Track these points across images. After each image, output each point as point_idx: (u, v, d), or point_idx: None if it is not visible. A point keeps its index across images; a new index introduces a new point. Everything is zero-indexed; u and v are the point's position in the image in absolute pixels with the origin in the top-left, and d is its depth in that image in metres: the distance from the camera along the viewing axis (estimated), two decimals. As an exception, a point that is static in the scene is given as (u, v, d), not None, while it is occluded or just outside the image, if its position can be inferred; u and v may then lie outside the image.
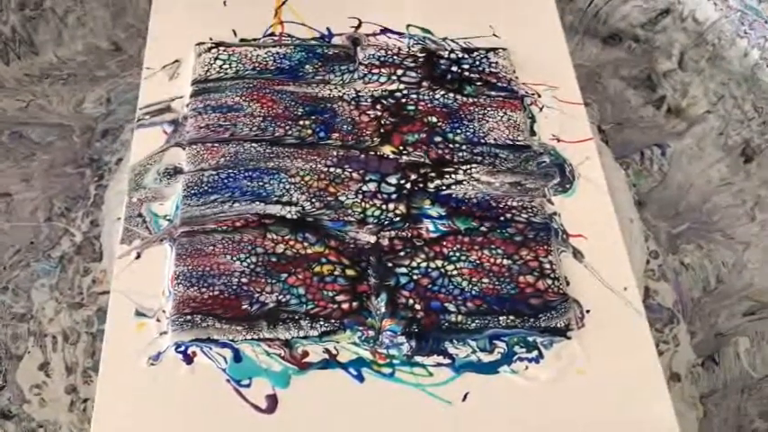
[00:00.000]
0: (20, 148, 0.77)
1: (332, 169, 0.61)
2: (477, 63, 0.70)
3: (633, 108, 0.80)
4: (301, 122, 0.64)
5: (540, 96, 0.70)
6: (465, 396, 0.52)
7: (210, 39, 0.69)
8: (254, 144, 0.62)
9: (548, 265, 0.58)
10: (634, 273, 0.60)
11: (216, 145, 0.62)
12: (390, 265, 0.56)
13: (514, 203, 0.61)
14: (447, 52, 0.70)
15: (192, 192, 0.59)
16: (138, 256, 0.57)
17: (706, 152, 0.77)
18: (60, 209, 0.72)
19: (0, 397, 0.62)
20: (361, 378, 0.52)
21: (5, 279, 0.68)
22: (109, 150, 0.76)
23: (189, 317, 0.53)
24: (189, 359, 0.52)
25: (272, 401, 0.51)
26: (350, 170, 0.61)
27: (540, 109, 0.69)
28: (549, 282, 0.57)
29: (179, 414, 0.50)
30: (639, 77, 0.82)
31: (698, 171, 0.76)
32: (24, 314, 0.66)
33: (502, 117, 0.66)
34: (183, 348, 0.52)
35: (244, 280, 0.55)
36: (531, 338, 0.55)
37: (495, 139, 0.65)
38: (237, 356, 0.52)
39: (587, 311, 0.57)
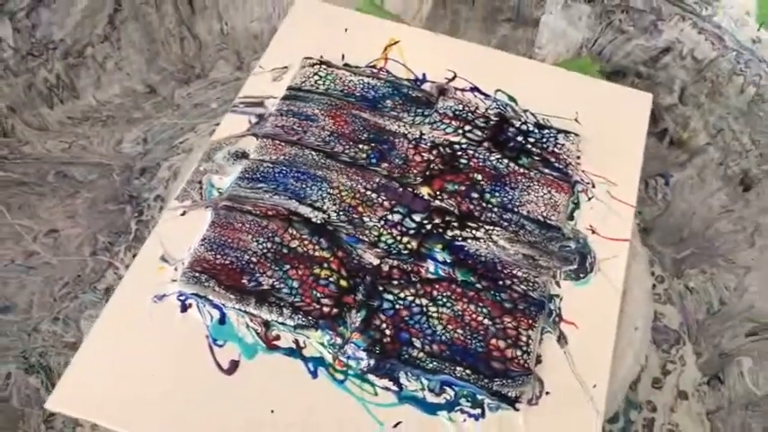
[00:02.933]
0: (64, 187, 0.83)
1: (368, 193, 0.67)
2: (545, 140, 0.73)
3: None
4: (361, 146, 0.71)
5: (594, 187, 0.71)
6: (397, 424, 0.56)
7: (320, 56, 0.79)
8: (313, 152, 0.70)
9: (524, 338, 0.60)
10: (619, 376, 0.61)
11: (283, 143, 0.70)
12: (381, 288, 0.62)
13: (519, 273, 0.64)
14: (520, 122, 0.74)
15: (247, 176, 0.68)
16: (184, 214, 0.66)
17: (707, 181, 0.77)
18: (104, 243, 0.78)
19: (55, 422, 0.69)
20: (315, 375, 0.58)
21: (56, 310, 0.75)
22: (147, 188, 0.81)
23: (197, 274, 0.61)
24: (184, 308, 0.60)
25: (234, 366, 0.58)
26: (383, 198, 0.67)
27: (589, 199, 0.71)
28: (519, 353, 0.59)
29: (160, 349, 0.59)
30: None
31: (700, 199, 0.76)
32: (75, 343, 0.72)
33: (544, 194, 0.69)
34: (183, 298, 0.61)
35: (253, 259, 0.62)
36: (480, 396, 0.57)
37: (528, 211, 0.68)
38: (222, 319, 0.60)
39: (547, 393, 0.58)
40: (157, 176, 0.84)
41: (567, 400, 0.58)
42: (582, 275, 0.65)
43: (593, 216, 0.70)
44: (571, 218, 0.69)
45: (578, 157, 0.73)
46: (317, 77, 0.76)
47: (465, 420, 0.56)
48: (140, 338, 0.59)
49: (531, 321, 0.61)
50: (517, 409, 0.57)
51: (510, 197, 0.69)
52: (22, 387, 0.71)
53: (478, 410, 0.57)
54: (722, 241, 0.74)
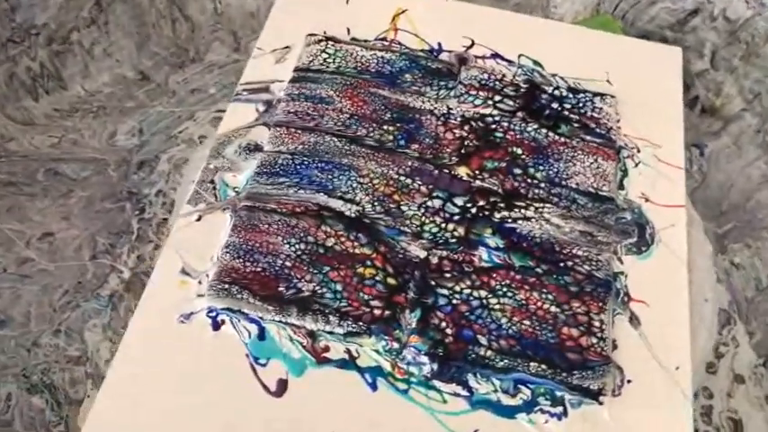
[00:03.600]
0: (56, 186, 0.76)
1: (402, 178, 0.61)
2: (581, 105, 0.67)
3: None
4: (385, 127, 0.64)
5: (639, 151, 0.66)
6: (473, 433, 0.50)
7: (324, 32, 0.71)
8: (334, 138, 0.63)
9: (597, 323, 0.54)
10: (695, 355, 0.56)
11: (299, 131, 0.63)
12: (433, 283, 0.55)
13: (579, 252, 0.58)
14: (552, 88, 0.68)
15: (265, 170, 0.61)
16: (199, 219, 0.59)
17: (744, 150, 0.73)
18: (104, 245, 0.71)
19: None
20: (374, 387, 0.51)
21: (57, 321, 0.68)
22: (147, 182, 0.74)
23: (227, 285, 0.54)
24: (217, 325, 0.53)
25: (282, 386, 0.51)
26: (419, 183, 0.61)
27: (636, 164, 0.65)
28: (594, 340, 0.54)
29: (193, 374, 0.51)
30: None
31: (737, 169, 0.72)
32: (80, 357, 0.66)
33: (591, 164, 0.63)
34: (214, 314, 0.54)
35: (288, 264, 0.55)
36: (559, 393, 0.52)
37: (577, 184, 0.62)
38: (262, 334, 0.53)
39: (628, 381, 0.53)
40: (157, 170, 0.77)
41: (651, 386, 0.53)
42: (644, 248, 0.60)
43: (643, 183, 0.64)
44: (621, 187, 0.63)
45: (618, 121, 0.67)
46: (325, 55, 0.69)
47: (547, 422, 0.51)
48: (171, 365, 0.52)
49: (601, 304, 0.55)
50: (601, 403, 0.52)
51: (556, 170, 0.63)
52: (24, 409, 0.64)
53: (560, 408, 0.51)
54: (765, 213, 0.70)
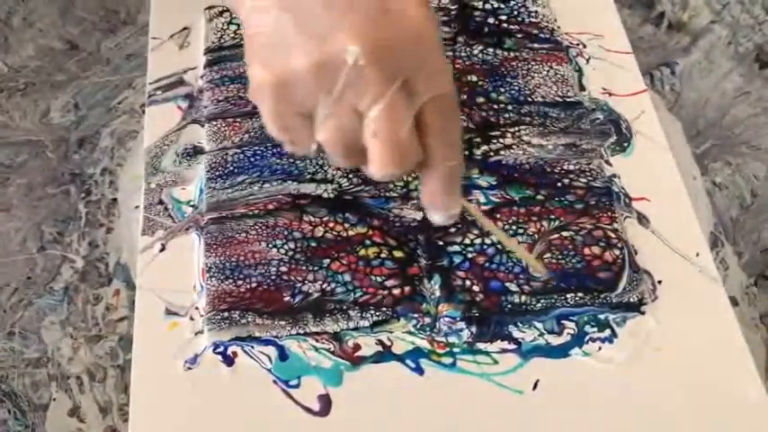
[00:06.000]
0: None
1: (368, 140, 0.55)
2: (516, 13, 0.64)
3: (631, 29, 0.74)
4: (330, 89, 0.58)
5: (585, 47, 0.64)
6: (535, 384, 0.47)
7: (222, 3, 0.63)
8: (279, 116, 0.56)
9: (613, 234, 0.52)
10: (703, 235, 0.55)
11: (238, 120, 0.56)
12: (441, 243, 0.51)
13: (570, 167, 0.55)
14: (481, 2, 0.64)
15: (217, 173, 0.53)
16: (163, 248, 0.51)
17: (716, 64, 0.72)
18: (52, 234, 0.64)
19: None
20: (420, 370, 0.47)
21: (9, 323, 0.60)
22: (90, 161, 0.67)
23: (226, 313, 0.48)
24: (230, 360, 0.47)
25: (326, 402, 0.46)
26: (387, 140, 0.55)
27: (587, 60, 0.63)
28: (617, 252, 0.52)
29: (223, 422, 0.45)
30: (633, -5, 0.77)
31: (711, 85, 0.71)
32: (39, 358, 0.59)
33: (548, 72, 0.60)
34: (221, 349, 0.47)
35: (283, 269, 0.49)
36: (602, 316, 0.50)
37: (542, 97, 0.59)
38: (283, 354, 0.47)
39: (659, 282, 0.52)
40: (99, 147, 0.69)
41: (681, 280, 0.52)
42: (625, 144, 0.58)
43: (599, 77, 0.62)
44: (582, 88, 0.61)
45: (555, 20, 0.64)
46: (233, 27, 0.61)
47: (600, 348, 0.49)
48: (193, 420, 0.45)
49: (610, 213, 0.53)
50: (643, 313, 0.50)
51: (517, 88, 0.59)
52: None
53: (608, 331, 0.49)
54: (742, 127, 0.69)
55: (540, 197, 0.53)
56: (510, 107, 0.58)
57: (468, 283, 0.50)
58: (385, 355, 0.48)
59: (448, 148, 0.39)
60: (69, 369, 0.60)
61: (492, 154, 0.55)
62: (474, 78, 0.59)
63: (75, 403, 0.58)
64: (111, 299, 0.62)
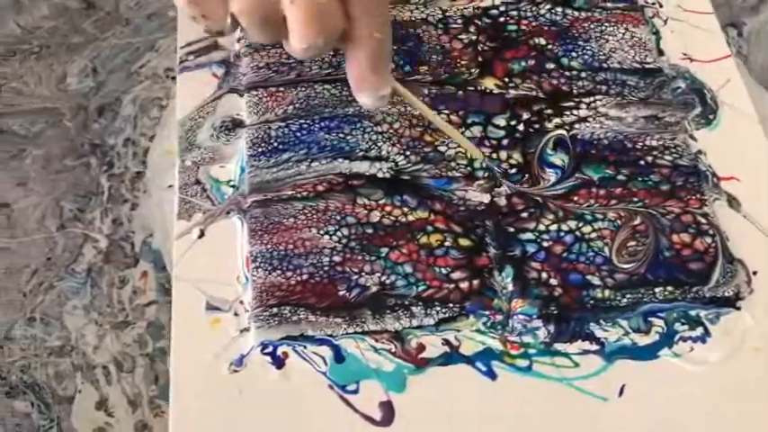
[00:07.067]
0: (4, 146, 0.64)
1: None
2: (585, -33, 0.57)
3: (694, -11, 0.67)
4: (381, 54, 0.52)
5: (661, 6, 0.57)
6: (622, 389, 0.42)
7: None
8: (326, 85, 0.50)
9: (703, 219, 0.47)
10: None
11: (281, 89, 0.50)
12: (512, 229, 0.46)
13: (654, 143, 0.49)
14: (546, -44, 0.57)
15: (260, 150, 0.48)
16: (202, 234, 0.46)
17: None
18: (72, 211, 0.60)
19: None
20: (492, 374, 0.42)
21: (29, 308, 0.57)
22: (111, 131, 0.63)
23: (275, 309, 0.42)
24: (280, 362, 0.42)
25: (388, 410, 0.41)
26: (447, 111, 0.50)
27: (665, 21, 0.56)
28: (708, 240, 0.46)
29: (273, 430, 0.41)
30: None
31: None
32: (63, 346, 0.55)
33: (624, 34, 0.54)
34: (270, 349, 0.42)
35: (337, 258, 0.44)
36: (693, 312, 0.44)
37: (619, 63, 0.52)
38: (339, 355, 0.42)
39: (754, 273, 0.46)
40: (121, 114, 0.65)
41: (779, 271, 0.46)
42: (711, 116, 0.52)
43: (679, 41, 0.55)
44: (661, 53, 0.54)
45: (627, -25, 0.57)
46: (272, -16, 0.54)
47: (692, 349, 0.43)
48: (239, 430, 0.41)
49: (699, 195, 0.47)
50: (739, 308, 0.45)
51: (591, 52, 0.53)
52: (7, 416, 0.54)
53: (700, 330, 0.44)
54: None
55: (621, 177, 0.48)
56: (583, 74, 0.52)
57: (544, 275, 0.44)
58: (452, 356, 0.43)
59: (373, 18, 0.37)
60: (95, 359, 0.55)
61: (566, 128, 0.49)
62: (542, 41, 0.53)
63: (103, 395, 0.54)
64: (138, 281, 0.57)
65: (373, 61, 0.39)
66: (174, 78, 0.64)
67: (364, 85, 0.40)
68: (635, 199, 0.47)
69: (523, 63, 0.52)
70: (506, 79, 0.51)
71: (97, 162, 0.63)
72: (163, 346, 0.55)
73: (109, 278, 0.58)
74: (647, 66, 0.52)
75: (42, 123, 0.65)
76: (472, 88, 0.51)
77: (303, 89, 0.50)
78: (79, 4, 0.72)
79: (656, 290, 0.44)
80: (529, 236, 0.45)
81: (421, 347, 0.43)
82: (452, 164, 0.48)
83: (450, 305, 0.43)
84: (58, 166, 0.63)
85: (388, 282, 0.44)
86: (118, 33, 0.70)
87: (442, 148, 0.48)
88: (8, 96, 0.67)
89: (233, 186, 0.47)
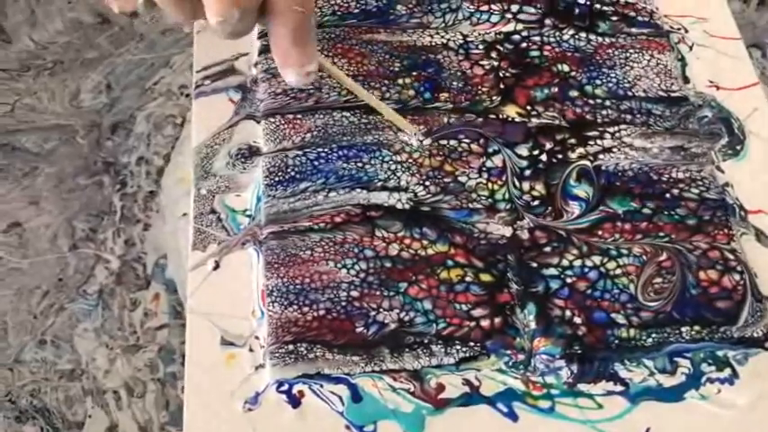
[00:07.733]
0: (16, 164, 0.63)
1: (445, 141, 0.48)
2: (609, -9, 0.56)
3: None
4: (400, 81, 0.51)
5: (687, 32, 0.56)
6: (647, 433, 0.41)
7: (273, -24, 0.55)
8: (345, 113, 0.49)
9: (731, 255, 0.45)
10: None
11: (299, 116, 0.49)
12: (535, 264, 0.44)
13: (680, 175, 0.48)
14: (569, -21, 0.56)
15: (276, 179, 0.47)
16: (217, 266, 0.45)
17: None
18: (84, 231, 0.59)
19: None
20: (513, 416, 0.41)
21: (40, 330, 0.55)
22: (124, 149, 0.62)
23: (291, 346, 0.41)
24: (295, 401, 0.41)
25: (406, 452, 0.40)
26: (467, 141, 0.49)
27: (690, 48, 0.55)
28: (737, 277, 0.45)
29: (289, 471, 0.40)
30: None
31: None
32: (73, 370, 0.54)
33: (649, 61, 0.53)
34: (286, 387, 0.41)
35: (354, 293, 0.43)
36: (720, 353, 0.43)
37: (644, 91, 0.51)
38: (356, 395, 0.41)
39: (784, 311, 0.45)
40: (134, 132, 0.63)
41: (810, 309, 0.45)
42: (738, 147, 0.51)
43: (705, 68, 0.54)
44: (686, 80, 0.53)
45: (653, 1, 0.56)
46: (290, 7, 0.54)
47: (719, 391, 0.42)
48: (255, 469, 0.40)
49: (727, 230, 0.46)
50: (768, 349, 0.43)
51: (615, 80, 0.52)
52: None
53: (728, 371, 0.43)
54: None
55: (646, 210, 0.46)
56: (608, 103, 0.50)
57: (568, 313, 0.43)
58: (473, 397, 0.41)
59: None
60: (105, 383, 0.54)
61: (590, 158, 0.48)
62: (565, 68, 0.52)
63: (113, 421, 0.53)
64: (149, 304, 0.56)
65: (295, 36, 0.38)
66: (188, 96, 0.63)
67: (289, 61, 0.39)
68: (661, 233, 0.46)
69: (546, 90, 0.51)
70: (529, 107, 0.50)
71: (110, 181, 0.62)
72: (174, 371, 0.54)
73: (120, 300, 0.57)
74: (672, 94, 0.51)
75: (55, 140, 0.64)
76: (494, 116, 0.50)
77: (321, 116, 0.49)
78: (94, 19, 0.71)
79: (683, 329, 0.43)
80: (552, 271, 0.44)
81: (440, 387, 0.42)
82: (473, 195, 0.47)
83: (471, 344, 0.42)
84: (71, 185, 0.62)
85: (406, 318, 0.42)
86: (132, 49, 0.69)
87: (463, 179, 0.47)
88: (21, 113, 0.66)
89: (249, 216, 0.47)
